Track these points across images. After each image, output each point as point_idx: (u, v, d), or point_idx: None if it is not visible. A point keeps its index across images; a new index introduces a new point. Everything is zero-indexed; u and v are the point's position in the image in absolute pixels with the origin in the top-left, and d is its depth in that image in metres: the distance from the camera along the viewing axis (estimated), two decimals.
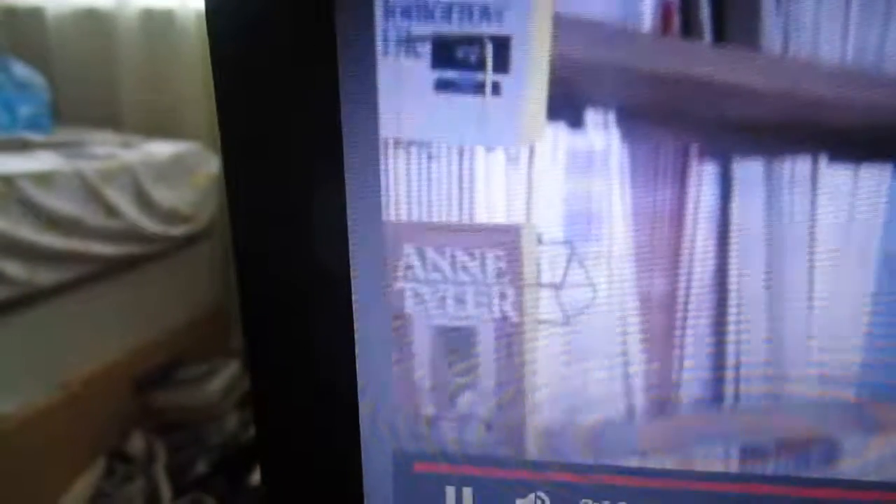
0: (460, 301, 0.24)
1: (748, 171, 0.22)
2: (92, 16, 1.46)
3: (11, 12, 1.49)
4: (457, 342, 0.24)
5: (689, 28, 0.21)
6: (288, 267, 0.23)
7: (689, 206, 0.22)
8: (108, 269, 1.26)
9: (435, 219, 0.23)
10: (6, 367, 1.11)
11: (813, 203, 0.22)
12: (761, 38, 0.21)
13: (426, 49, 0.21)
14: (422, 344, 0.24)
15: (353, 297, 0.23)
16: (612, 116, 0.22)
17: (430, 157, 0.22)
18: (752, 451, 0.25)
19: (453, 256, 0.23)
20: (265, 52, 0.21)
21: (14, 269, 1.09)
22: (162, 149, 1.37)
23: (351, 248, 0.23)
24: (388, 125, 0.22)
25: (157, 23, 1.45)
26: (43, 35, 1.47)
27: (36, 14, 1.47)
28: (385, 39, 0.21)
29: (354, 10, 0.21)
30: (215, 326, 1.57)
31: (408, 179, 0.23)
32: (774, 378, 0.24)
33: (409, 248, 0.23)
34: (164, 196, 1.34)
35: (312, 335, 0.24)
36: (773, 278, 0.23)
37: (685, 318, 0.24)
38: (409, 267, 0.23)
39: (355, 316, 0.23)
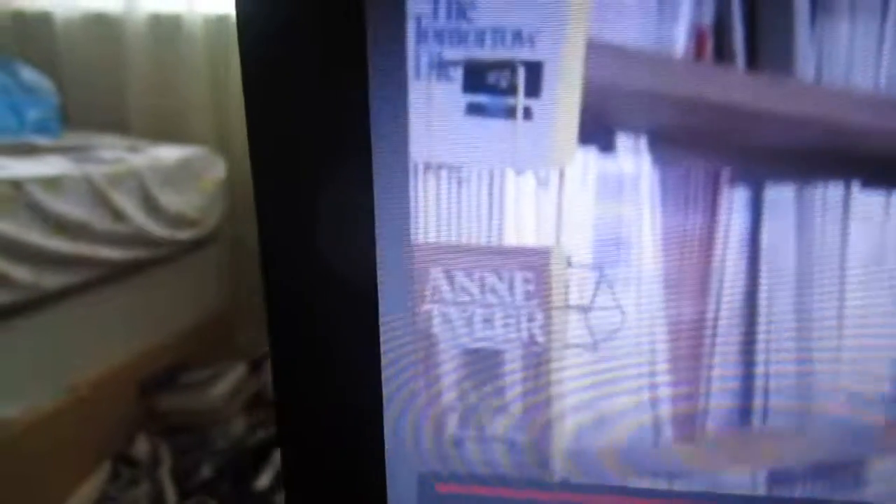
0: (488, 323, 0.24)
1: (779, 196, 0.22)
2: (100, 21, 1.47)
3: (20, 17, 1.49)
4: (483, 364, 0.24)
5: (723, 54, 0.21)
6: (314, 286, 0.23)
7: (720, 231, 0.22)
8: (115, 273, 1.26)
9: (464, 241, 0.23)
10: (13, 371, 1.11)
11: (844, 228, 0.22)
12: (795, 64, 0.21)
13: (458, 73, 0.21)
14: (448, 365, 0.24)
15: (380, 318, 0.23)
16: (643, 141, 0.22)
17: (460, 180, 0.22)
18: (780, 475, 0.25)
19: (482, 278, 0.23)
20: (295, 75, 0.21)
21: (21, 273, 1.10)
22: (169, 153, 1.38)
23: (378, 268, 0.23)
24: (419, 148, 0.22)
25: (164, 28, 1.45)
26: (51, 39, 1.47)
27: (44, 19, 1.48)
28: (417, 63, 0.21)
29: (387, 33, 0.21)
30: (221, 330, 1.57)
31: (437, 202, 0.23)
32: (803, 402, 0.24)
33: (437, 270, 0.23)
34: (171, 200, 1.34)
35: (337, 354, 0.24)
36: (804, 302, 0.23)
37: (714, 342, 0.24)
38: (436, 288, 0.23)
39: (382, 336, 0.23)
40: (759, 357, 0.24)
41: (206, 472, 1.26)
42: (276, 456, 1.26)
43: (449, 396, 0.25)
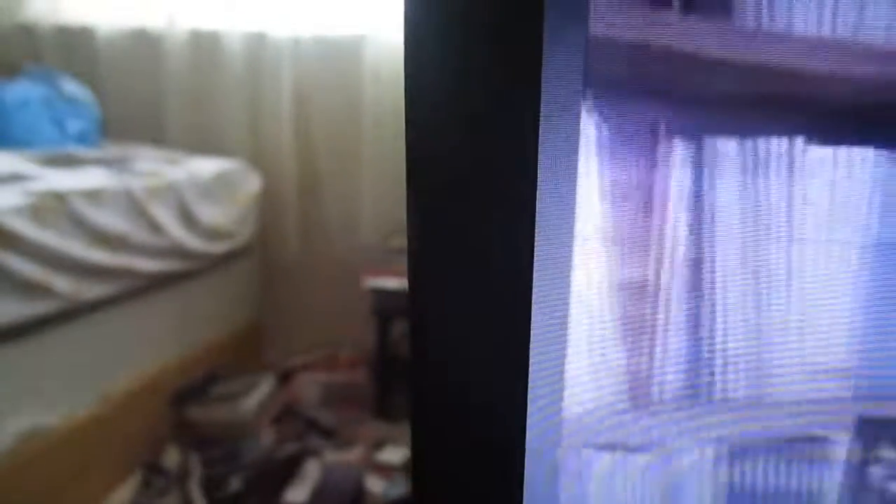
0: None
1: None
2: (141, 36, 1.49)
3: (64, 31, 1.52)
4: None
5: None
6: (464, 386, 0.23)
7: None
8: (150, 285, 1.27)
9: None
10: (51, 380, 1.12)
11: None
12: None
13: None
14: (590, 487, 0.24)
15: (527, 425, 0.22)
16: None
17: None
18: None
19: None
20: (464, 148, 0.22)
21: (62, 283, 1.10)
22: (206, 166, 1.39)
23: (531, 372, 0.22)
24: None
25: (203, 44, 1.47)
26: (93, 53, 1.49)
27: (87, 33, 1.50)
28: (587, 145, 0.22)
29: (559, 116, 0.21)
30: (251, 342, 1.57)
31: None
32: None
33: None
34: (207, 213, 1.35)
35: (481, 455, 0.24)
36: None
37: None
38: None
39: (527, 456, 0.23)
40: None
41: (234, 484, 1.25)
42: (307, 470, 1.26)
43: None
